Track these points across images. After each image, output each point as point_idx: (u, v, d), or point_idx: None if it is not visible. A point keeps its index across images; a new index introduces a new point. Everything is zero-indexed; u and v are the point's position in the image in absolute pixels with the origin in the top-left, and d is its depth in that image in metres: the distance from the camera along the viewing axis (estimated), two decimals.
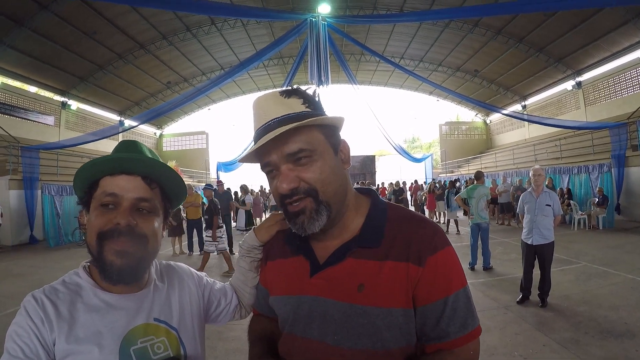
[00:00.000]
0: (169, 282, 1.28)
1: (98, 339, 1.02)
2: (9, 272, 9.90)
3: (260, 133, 1.07)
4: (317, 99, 1.14)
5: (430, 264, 1.03)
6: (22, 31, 17.00)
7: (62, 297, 1.06)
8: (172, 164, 1.29)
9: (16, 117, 21.08)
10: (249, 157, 1.15)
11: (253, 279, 1.40)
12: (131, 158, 1.11)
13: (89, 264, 1.16)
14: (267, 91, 1.17)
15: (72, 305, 1.05)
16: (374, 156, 32.50)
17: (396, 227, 1.11)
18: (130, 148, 1.17)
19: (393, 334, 1.02)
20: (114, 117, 29.21)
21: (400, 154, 29.29)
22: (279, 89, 1.14)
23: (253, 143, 1.12)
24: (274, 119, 1.06)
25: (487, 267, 8.28)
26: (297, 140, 1.04)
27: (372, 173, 27.01)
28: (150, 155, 1.18)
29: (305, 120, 1.04)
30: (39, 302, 1.03)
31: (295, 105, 1.08)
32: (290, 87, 1.13)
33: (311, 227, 1.06)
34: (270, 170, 1.10)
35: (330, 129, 1.12)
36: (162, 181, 1.19)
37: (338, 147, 1.14)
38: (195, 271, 1.44)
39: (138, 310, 1.13)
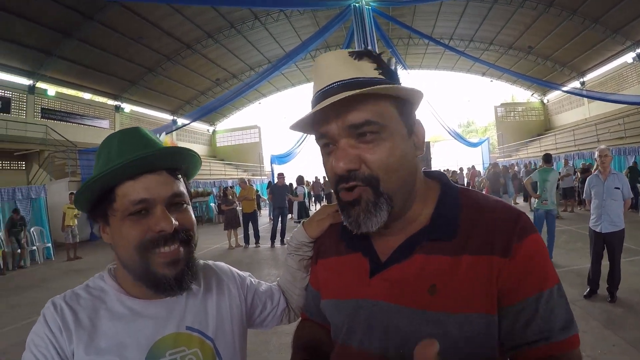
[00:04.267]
0: (205, 285, 1.15)
1: (121, 350, 0.93)
2: (70, 267, 10.93)
3: (320, 97, 0.89)
4: (392, 67, 0.92)
5: (519, 254, 0.84)
6: (70, 42, 17.99)
7: (84, 303, 0.98)
8: (167, 140, 1.12)
9: (72, 123, 22.65)
10: (303, 125, 0.97)
11: (302, 279, 1.26)
12: (152, 154, 0.95)
13: (114, 267, 1.07)
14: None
15: (93, 313, 0.97)
16: (428, 142, 32.01)
17: (473, 214, 0.92)
18: (138, 140, 1.00)
19: (472, 346, 0.83)
20: (167, 117, 30.29)
21: (455, 139, 28.92)
22: (348, 49, 0.95)
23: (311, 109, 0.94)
24: (339, 81, 0.87)
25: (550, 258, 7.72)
26: (364, 109, 0.85)
27: (428, 160, 26.47)
28: (156, 141, 1.04)
29: (378, 87, 0.84)
30: (58, 309, 0.95)
31: (367, 69, 0.89)
32: (362, 49, 0.93)
33: (367, 223, 0.88)
34: (326, 143, 0.92)
35: (406, 105, 0.92)
36: (181, 165, 1.05)
37: (413, 128, 0.94)
38: (238, 271, 1.30)
39: (168, 318, 1.02)
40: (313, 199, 23.47)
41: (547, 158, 8.60)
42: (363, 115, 0.85)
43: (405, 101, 0.92)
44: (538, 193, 8.06)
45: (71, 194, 12.69)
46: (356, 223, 0.90)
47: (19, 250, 11.65)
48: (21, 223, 11.81)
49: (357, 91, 0.81)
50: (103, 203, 0.98)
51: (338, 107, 0.84)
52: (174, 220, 0.95)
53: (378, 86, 0.84)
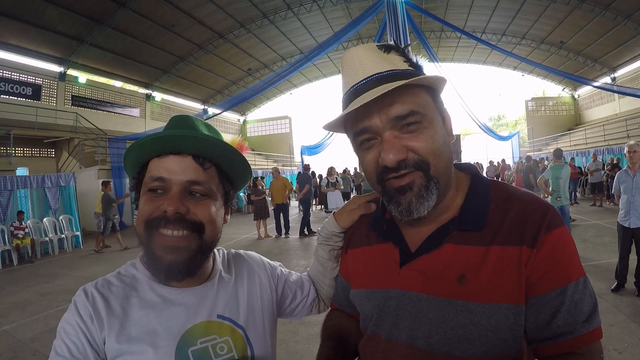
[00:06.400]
0: (237, 274, 1.17)
1: (152, 338, 0.93)
2: (99, 257, 10.95)
3: (357, 91, 0.90)
4: (415, 58, 0.96)
5: (546, 245, 0.85)
6: (102, 29, 18.20)
7: (115, 291, 0.98)
8: (235, 140, 1.14)
9: (103, 110, 22.76)
10: (336, 124, 0.98)
11: (332, 269, 1.27)
12: (179, 136, 0.96)
13: None
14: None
15: (125, 300, 0.97)
16: (459, 135, 31.75)
17: (502, 205, 0.93)
18: (181, 124, 1.03)
19: (500, 336, 0.84)
20: (198, 106, 30.54)
21: (485, 132, 28.42)
22: (375, 43, 0.97)
23: (343, 106, 0.96)
24: (376, 74, 0.89)
25: None
26: (406, 100, 0.87)
27: (458, 153, 26.33)
28: (205, 131, 1.04)
29: (417, 78, 0.86)
30: (89, 296, 0.95)
31: (398, 62, 0.92)
32: (387, 43, 0.97)
33: (419, 208, 0.89)
34: (367, 138, 0.92)
35: (437, 93, 0.96)
36: (218, 160, 1.04)
37: (444, 115, 0.97)
38: (269, 261, 1.32)
39: (199, 306, 1.02)
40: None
41: (558, 153, 8.45)
42: (407, 106, 0.86)
43: (436, 90, 0.95)
44: (551, 190, 8.02)
45: (103, 182, 12.64)
46: (408, 210, 0.89)
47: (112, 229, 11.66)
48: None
49: (405, 81, 0.83)
50: (140, 175, 1.02)
51: (380, 100, 0.84)
52: (180, 205, 0.94)
53: (420, 77, 0.86)
